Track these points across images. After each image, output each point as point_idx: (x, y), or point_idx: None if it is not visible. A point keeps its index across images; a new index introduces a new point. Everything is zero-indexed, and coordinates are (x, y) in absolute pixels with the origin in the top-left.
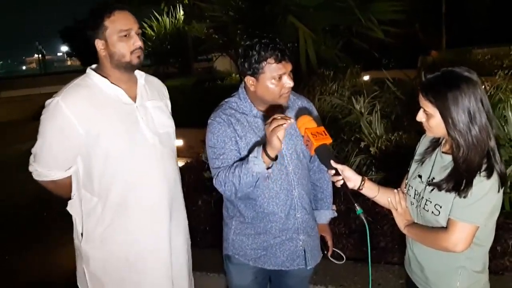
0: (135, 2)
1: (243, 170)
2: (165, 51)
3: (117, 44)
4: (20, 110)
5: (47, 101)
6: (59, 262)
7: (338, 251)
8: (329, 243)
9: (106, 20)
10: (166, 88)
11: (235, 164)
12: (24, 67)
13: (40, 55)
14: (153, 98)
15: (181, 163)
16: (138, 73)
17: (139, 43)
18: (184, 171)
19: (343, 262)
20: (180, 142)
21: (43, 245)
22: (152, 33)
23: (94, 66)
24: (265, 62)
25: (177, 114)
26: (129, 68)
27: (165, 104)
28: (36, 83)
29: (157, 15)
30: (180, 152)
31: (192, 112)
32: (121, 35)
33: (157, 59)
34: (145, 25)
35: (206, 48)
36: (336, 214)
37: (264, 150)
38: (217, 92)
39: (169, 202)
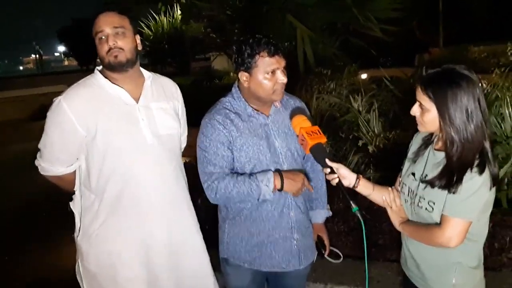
0: (132, 2)
1: (249, 190)
2: (163, 51)
3: (98, 47)
4: (18, 110)
5: (53, 99)
6: (59, 262)
7: (336, 250)
8: (326, 242)
9: (94, 26)
10: (179, 90)
11: (239, 179)
12: (21, 67)
13: (37, 55)
14: (159, 99)
15: None
16: (146, 73)
17: (111, 42)
18: None
19: (340, 260)
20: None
21: (42, 245)
22: (150, 32)
23: (101, 67)
24: (258, 56)
25: None
26: (112, 68)
27: (173, 106)
28: (33, 83)
29: (154, 14)
30: None
31: (190, 111)
32: (97, 38)
33: (155, 58)
34: (143, 24)
35: (204, 47)
36: (331, 213)
37: (276, 181)
38: (215, 91)
39: (164, 202)
